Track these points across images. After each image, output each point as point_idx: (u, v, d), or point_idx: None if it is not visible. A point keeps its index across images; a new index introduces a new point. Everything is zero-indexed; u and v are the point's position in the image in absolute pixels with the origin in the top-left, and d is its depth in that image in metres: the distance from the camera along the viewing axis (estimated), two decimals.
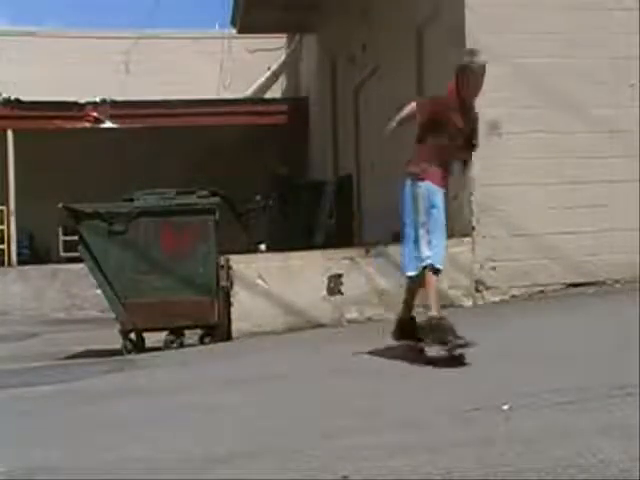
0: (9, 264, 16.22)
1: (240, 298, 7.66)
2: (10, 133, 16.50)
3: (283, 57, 19.53)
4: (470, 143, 5.60)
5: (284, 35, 18.82)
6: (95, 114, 17.05)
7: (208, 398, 4.88)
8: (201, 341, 7.83)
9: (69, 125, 17.02)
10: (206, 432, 3.97)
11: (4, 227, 16.44)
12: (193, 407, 4.65)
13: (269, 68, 19.62)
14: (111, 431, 4.22)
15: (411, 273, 5.43)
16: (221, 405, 4.62)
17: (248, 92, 19.28)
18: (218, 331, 7.76)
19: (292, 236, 12.08)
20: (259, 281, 7.69)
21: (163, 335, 7.85)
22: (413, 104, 5.65)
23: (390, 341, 5.62)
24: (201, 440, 3.78)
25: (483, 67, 5.40)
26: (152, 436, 3.98)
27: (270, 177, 14.55)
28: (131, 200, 7.98)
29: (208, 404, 4.68)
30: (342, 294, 7.74)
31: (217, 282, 7.81)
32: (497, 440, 3.21)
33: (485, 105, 8.10)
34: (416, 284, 5.46)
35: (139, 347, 7.84)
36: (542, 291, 8.03)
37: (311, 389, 4.94)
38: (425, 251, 5.27)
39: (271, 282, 7.71)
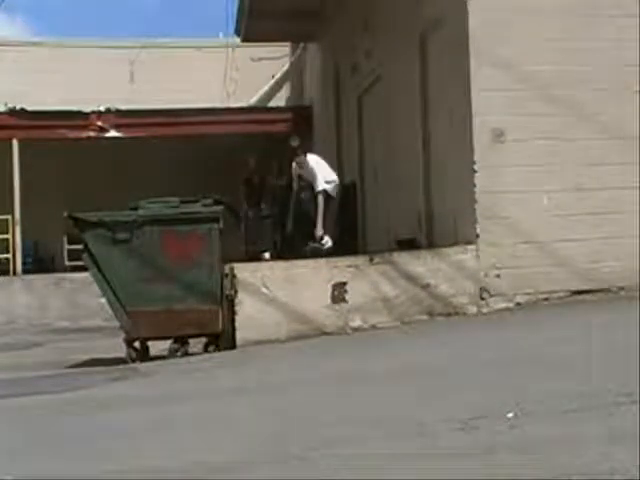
0: (14, 273, 16.22)
1: (244, 306, 7.66)
2: (15, 142, 16.53)
3: (287, 65, 19.56)
4: None
5: (288, 43, 18.85)
6: (100, 123, 17.07)
7: (211, 406, 4.88)
8: (205, 349, 7.82)
9: (74, 134, 17.05)
10: (208, 440, 3.96)
11: (9, 236, 16.45)
12: (196, 415, 4.65)
13: (273, 76, 19.64)
14: (114, 440, 4.22)
15: None
16: (223, 413, 4.62)
17: (252, 100, 19.30)
18: (222, 339, 7.76)
19: (296, 244, 12.07)
20: (263, 289, 7.69)
21: (167, 343, 7.85)
22: None
23: (395, 348, 5.61)
24: (203, 448, 3.77)
25: None
26: (154, 444, 3.97)
27: (271, 186, 14.58)
28: (135, 209, 7.99)
29: (211, 412, 4.68)
30: (346, 302, 7.73)
31: (221, 290, 7.81)
32: (501, 448, 3.19)
33: (489, 113, 8.18)
34: None
35: (143, 356, 7.84)
36: (547, 298, 8.01)
37: (313, 397, 4.92)
38: None
39: (275, 290, 7.71)
